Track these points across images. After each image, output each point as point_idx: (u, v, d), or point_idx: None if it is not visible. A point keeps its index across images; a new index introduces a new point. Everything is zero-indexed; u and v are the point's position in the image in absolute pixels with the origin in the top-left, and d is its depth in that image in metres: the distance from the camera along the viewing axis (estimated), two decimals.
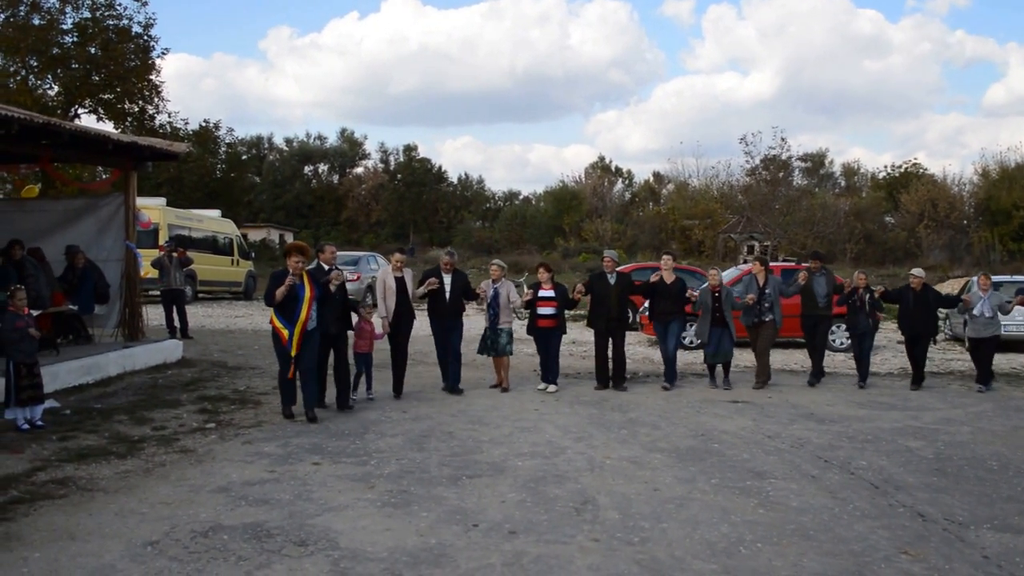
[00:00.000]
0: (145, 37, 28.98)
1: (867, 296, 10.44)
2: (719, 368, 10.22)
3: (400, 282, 9.09)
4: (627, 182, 57.79)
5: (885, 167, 53.55)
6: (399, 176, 57.00)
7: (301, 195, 55.40)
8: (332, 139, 60.93)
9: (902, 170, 49.45)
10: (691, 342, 13.17)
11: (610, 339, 9.91)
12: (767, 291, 10.16)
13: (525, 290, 10.72)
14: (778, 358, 12.55)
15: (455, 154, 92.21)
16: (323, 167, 60.08)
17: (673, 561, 4.42)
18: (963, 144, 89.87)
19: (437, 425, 7.70)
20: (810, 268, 10.76)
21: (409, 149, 58.79)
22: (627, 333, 10.33)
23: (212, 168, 42.58)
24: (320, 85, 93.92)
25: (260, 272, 25.58)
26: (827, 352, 11.63)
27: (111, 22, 28.26)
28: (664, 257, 10.55)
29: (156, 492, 5.48)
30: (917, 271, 10.80)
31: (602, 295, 9.92)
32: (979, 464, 6.61)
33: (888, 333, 16.13)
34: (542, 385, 9.74)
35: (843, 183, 56.64)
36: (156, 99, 29.88)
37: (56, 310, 9.98)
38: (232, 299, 23.69)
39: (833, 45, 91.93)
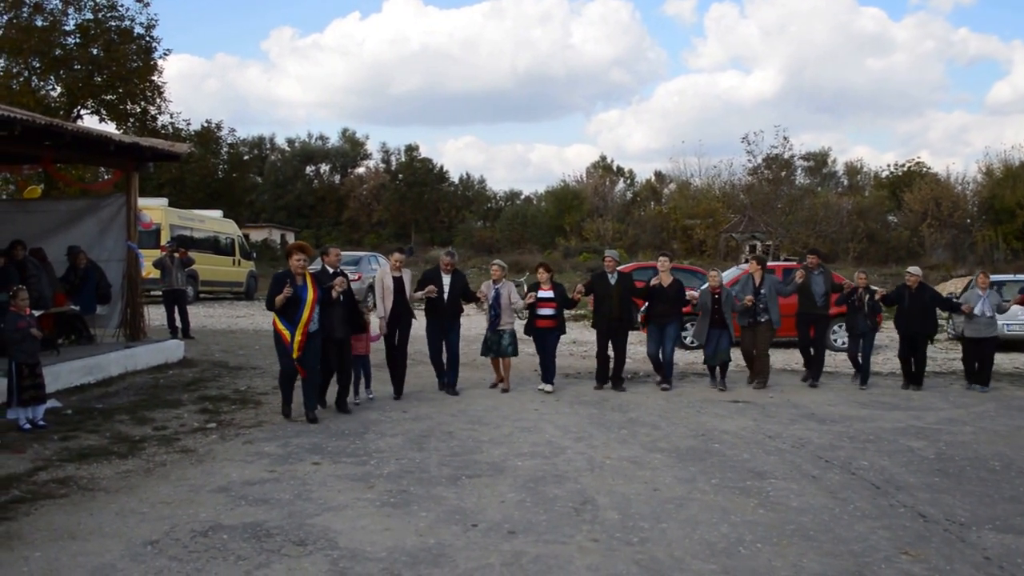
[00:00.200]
0: (147, 38, 29.14)
1: (867, 297, 10.31)
2: (718, 369, 10.20)
3: (398, 282, 9.08)
4: (629, 181, 57.75)
5: (888, 166, 53.42)
6: (400, 176, 56.96)
7: (303, 195, 55.41)
8: (334, 139, 61.12)
9: (905, 169, 49.29)
10: (691, 342, 13.16)
11: (611, 339, 9.87)
12: (762, 291, 10.06)
13: (525, 290, 10.71)
14: (778, 358, 12.52)
15: (457, 154, 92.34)
16: (325, 167, 60.10)
17: (672, 561, 4.42)
18: (967, 142, 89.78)
19: (437, 425, 7.71)
20: (807, 265, 10.59)
21: (411, 149, 58.84)
22: (629, 333, 10.27)
23: (214, 168, 42.63)
24: (322, 85, 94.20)
25: (262, 272, 25.65)
26: (827, 352, 11.55)
27: (113, 23, 28.38)
28: (660, 259, 10.31)
29: (156, 492, 5.50)
30: (913, 269, 10.66)
31: (603, 295, 9.90)
32: (981, 464, 6.59)
33: (891, 333, 16.06)
34: (543, 385, 9.75)
35: (846, 182, 56.50)
36: (158, 100, 30.06)
37: (58, 310, 10.02)
38: (233, 299, 23.74)
39: (836, 43, 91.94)
